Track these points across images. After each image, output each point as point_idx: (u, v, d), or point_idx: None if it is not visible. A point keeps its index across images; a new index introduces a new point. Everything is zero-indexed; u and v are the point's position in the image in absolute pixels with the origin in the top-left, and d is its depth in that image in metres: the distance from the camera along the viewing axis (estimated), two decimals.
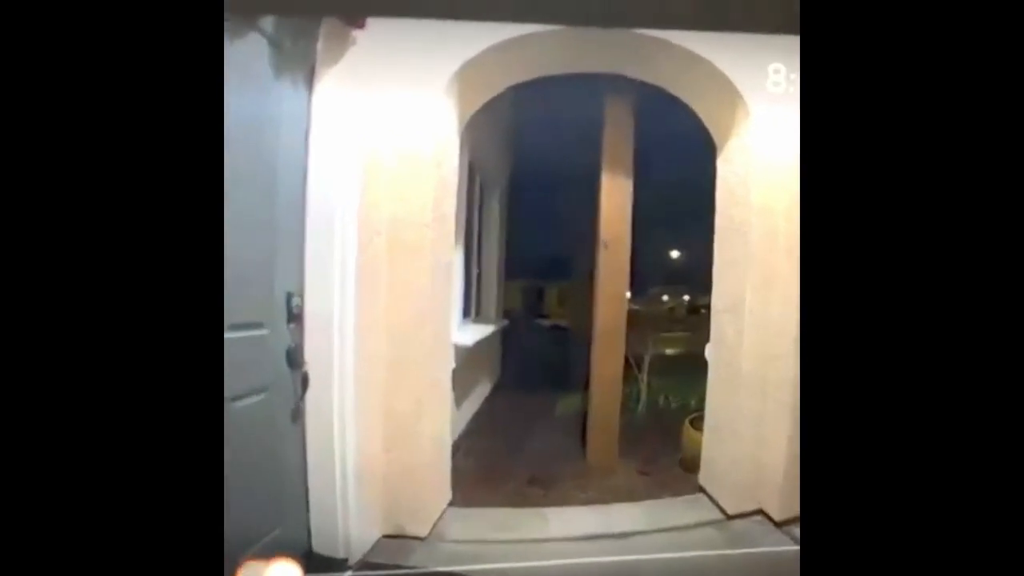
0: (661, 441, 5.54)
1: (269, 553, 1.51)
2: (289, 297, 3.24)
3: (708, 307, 4.55)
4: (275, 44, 3.20)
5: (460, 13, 3.16)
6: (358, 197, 3.45)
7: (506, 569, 3.51)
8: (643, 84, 4.31)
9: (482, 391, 7.66)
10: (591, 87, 4.73)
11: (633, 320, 5.87)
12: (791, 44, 3.55)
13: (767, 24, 3.44)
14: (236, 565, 1.23)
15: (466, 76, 3.66)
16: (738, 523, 3.99)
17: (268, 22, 3.13)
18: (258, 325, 3.11)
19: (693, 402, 5.99)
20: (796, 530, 3.73)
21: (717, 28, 3.48)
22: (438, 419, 3.90)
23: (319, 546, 3.38)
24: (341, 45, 3.35)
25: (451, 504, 4.05)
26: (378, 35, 3.40)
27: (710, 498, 4.30)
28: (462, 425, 5.93)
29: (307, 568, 1.33)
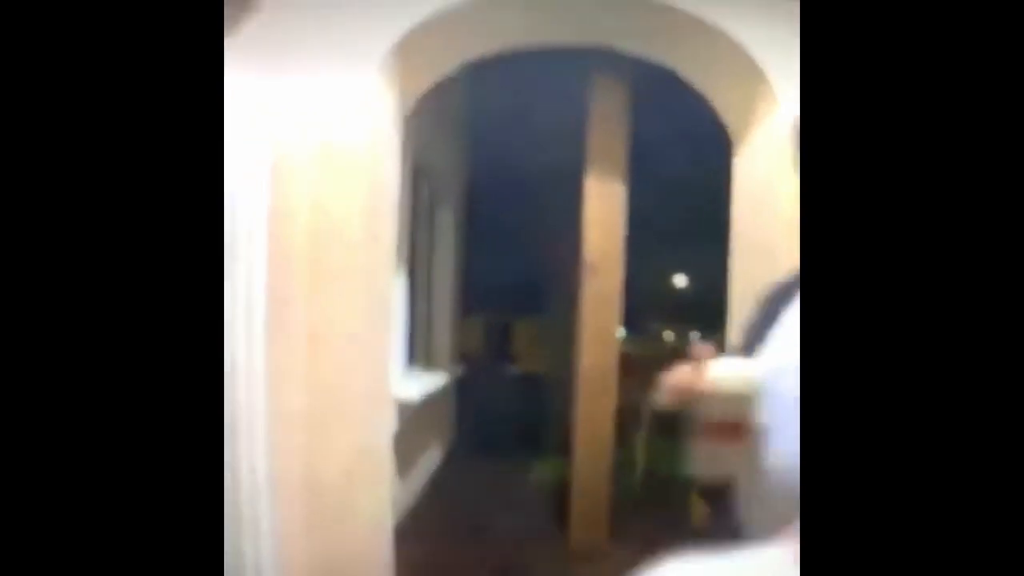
0: (665, 517, 5.45)
1: None
2: None
3: (723, 347, 4.41)
4: None
5: None
6: (267, 209, 3.28)
7: None
8: (640, 62, 4.18)
9: (432, 458, 7.52)
10: (573, 66, 4.66)
11: (627, 365, 5.77)
12: None
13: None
14: None
15: (408, 50, 3.52)
16: None
17: None
18: None
19: None
20: None
21: None
22: (375, 494, 3.75)
23: None
24: (242, 10, 3.21)
25: None
26: None
27: None
28: (407, 501, 5.84)
29: None
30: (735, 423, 1.57)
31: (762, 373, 1.56)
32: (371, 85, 3.42)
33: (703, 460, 1.66)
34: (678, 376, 1.68)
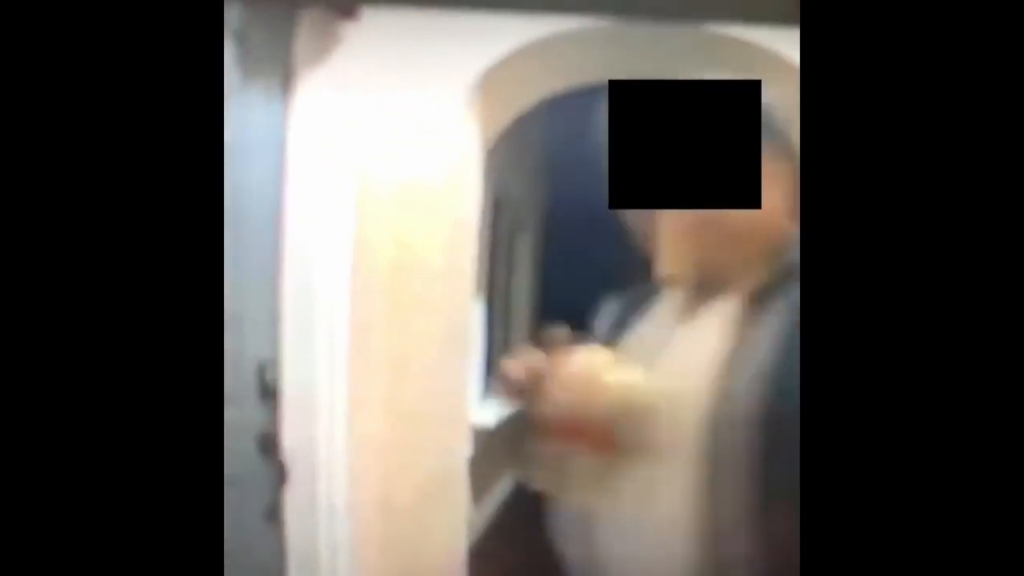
0: None
1: None
2: (261, 368, 3.12)
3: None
4: (240, 40, 3.06)
5: (484, 1, 3.07)
6: (349, 240, 3.25)
7: None
8: None
9: (506, 480, 7.49)
10: None
11: None
12: None
13: (764, 13, 3.32)
14: None
15: (491, 85, 3.48)
16: None
17: (231, 11, 2.98)
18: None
19: None
20: None
21: (710, 19, 3.36)
22: (451, 517, 3.73)
23: None
24: (327, 42, 3.19)
25: None
26: (376, 29, 3.24)
27: None
28: (482, 523, 5.80)
29: None
30: (599, 425, 1.21)
31: (650, 378, 1.23)
32: (455, 119, 3.40)
33: (547, 468, 1.32)
34: (523, 363, 1.34)
